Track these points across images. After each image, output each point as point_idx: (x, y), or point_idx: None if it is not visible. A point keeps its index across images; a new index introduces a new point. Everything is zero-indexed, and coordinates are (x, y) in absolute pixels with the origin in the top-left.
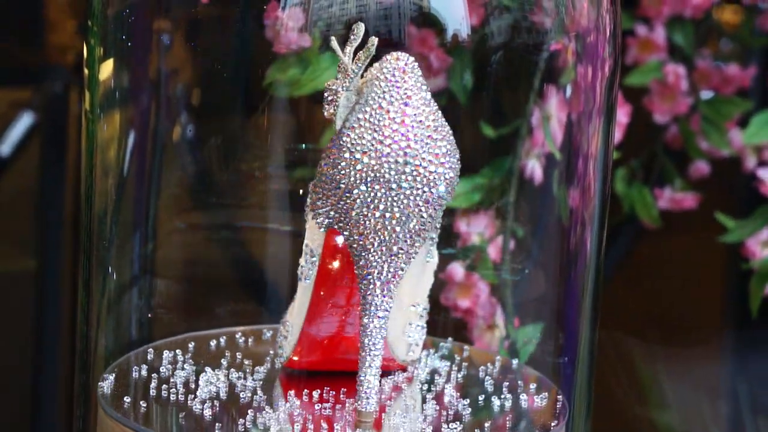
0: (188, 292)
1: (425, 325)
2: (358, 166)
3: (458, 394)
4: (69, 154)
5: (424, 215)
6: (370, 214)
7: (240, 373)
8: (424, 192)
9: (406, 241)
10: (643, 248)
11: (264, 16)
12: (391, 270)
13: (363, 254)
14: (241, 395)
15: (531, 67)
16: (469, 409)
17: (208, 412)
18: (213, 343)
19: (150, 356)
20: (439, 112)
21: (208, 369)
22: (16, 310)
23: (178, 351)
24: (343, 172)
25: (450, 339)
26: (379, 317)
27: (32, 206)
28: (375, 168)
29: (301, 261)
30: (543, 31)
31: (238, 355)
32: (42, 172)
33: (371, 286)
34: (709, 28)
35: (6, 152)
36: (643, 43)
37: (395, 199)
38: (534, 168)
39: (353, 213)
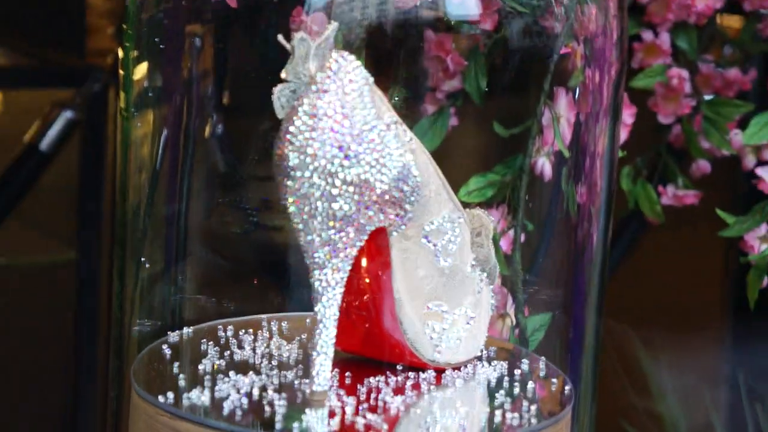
0: (217, 280)
1: (461, 330)
2: (275, 157)
3: (468, 379)
4: (107, 150)
5: (334, 206)
6: (287, 203)
7: (294, 349)
8: (327, 184)
9: (325, 231)
10: (647, 242)
11: (290, 20)
12: (321, 258)
13: (299, 240)
14: (261, 364)
15: (542, 69)
16: (479, 394)
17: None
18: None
19: (180, 339)
20: (372, 112)
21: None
22: (57, 298)
23: (222, 333)
24: (272, 161)
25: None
26: (321, 302)
27: (72, 199)
28: (282, 157)
29: None
30: (553, 36)
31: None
32: (82, 167)
33: (309, 272)
34: (711, 34)
35: (48, 148)
36: (649, 48)
37: (298, 189)
38: (544, 165)
39: (281, 201)
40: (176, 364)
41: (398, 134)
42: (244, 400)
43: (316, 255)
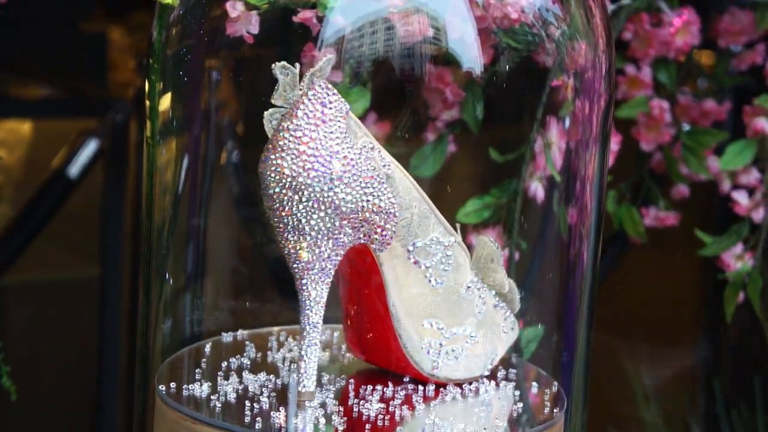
0: (234, 295)
1: (459, 348)
2: (258, 174)
3: (464, 387)
4: (129, 176)
5: (303, 221)
6: (267, 217)
7: (325, 355)
8: (296, 201)
9: (298, 244)
10: (631, 260)
11: (301, 55)
12: (299, 270)
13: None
14: (280, 366)
15: (534, 100)
16: (475, 401)
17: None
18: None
19: (205, 349)
20: (344, 137)
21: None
22: (81, 311)
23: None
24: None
25: None
26: (304, 310)
27: (96, 221)
28: (260, 175)
29: None
30: (545, 69)
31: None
32: (105, 192)
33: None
34: (689, 68)
35: (74, 174)
36: (632, 80)
37: (272, 204)
38: (537, 189)
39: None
40: (203, 362)
41: (372, 158)
42: (233, 396)
43: (294, 266)
